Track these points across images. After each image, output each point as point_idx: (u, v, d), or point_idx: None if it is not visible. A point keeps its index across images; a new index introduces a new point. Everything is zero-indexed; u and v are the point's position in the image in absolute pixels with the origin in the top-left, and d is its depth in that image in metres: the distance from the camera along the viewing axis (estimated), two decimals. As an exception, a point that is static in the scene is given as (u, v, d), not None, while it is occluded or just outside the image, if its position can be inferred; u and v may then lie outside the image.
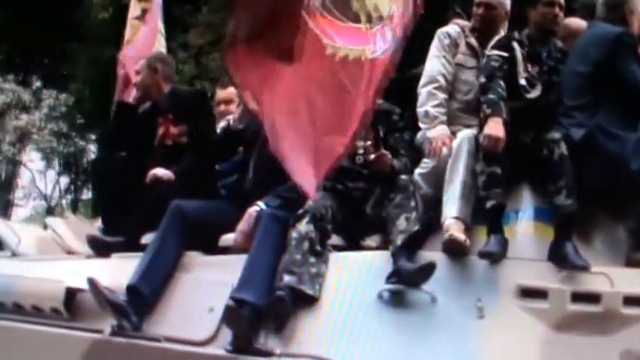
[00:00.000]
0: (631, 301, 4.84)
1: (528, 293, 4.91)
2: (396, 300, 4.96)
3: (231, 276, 5.09)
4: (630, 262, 5.14)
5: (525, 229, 5.22)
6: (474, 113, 5.74)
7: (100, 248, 5.66)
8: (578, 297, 4.86)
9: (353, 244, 5.39)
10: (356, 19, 4.93)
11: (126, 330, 5.03)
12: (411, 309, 4.93)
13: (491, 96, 5.25)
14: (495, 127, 5.12)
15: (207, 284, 5.17)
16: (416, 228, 5.09)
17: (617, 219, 5.23)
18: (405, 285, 4.93)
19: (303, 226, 5.14)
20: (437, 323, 4.88)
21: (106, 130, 6.46)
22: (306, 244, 5.10)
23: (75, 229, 6.18)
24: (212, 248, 5.43)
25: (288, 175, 5.37)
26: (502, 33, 5.93)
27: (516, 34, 5.59)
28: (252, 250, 5.09)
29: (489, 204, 5.08)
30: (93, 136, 29.79)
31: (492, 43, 5.65)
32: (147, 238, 5.54)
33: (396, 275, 4.95)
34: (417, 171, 5.54)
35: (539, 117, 5.36)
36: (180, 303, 5.16)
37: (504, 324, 4.84)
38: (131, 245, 5.54)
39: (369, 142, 5.54)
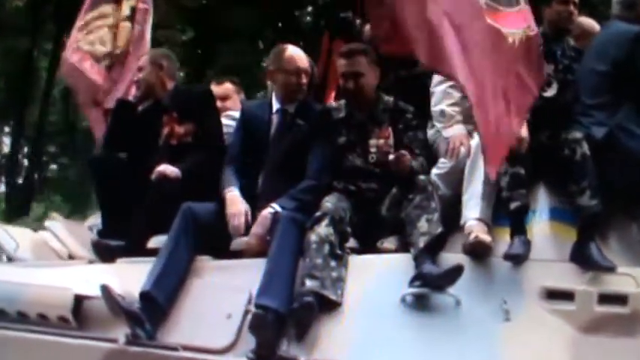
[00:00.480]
0: (657, 301, 4.83)
1: (554, 295, 4.86)
2: (420, 303, 4.86)
3: (247, 281, 4.94)
4: (649, 262, 5.12)
5: (542, 230, 5.15)
6: (486, 111, 5.68)
7: (105, 253, 5.44)
8: (604, 298, 4.81)
9: (368, 246, 5.27)
10: (513, 3, 4.92)
11: (141, 339, 4.84)
12: (435, 312, 4.83)
13: None
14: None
15: (223, 290, 4.99)
16: (439, 230, 4.98)
17: (634, 219, 5.21)
18: (430, 288, 4.83)
19: (323, 229, 5.00)
20: (462, 326, 4.79)
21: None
22: (326, 248, 4.96)
23: (70, 232, 5.95)
24: (223, 252, 5.26)
25: (300, 178, 5.29)
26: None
27: None
28: (271, 254, 4.93)
29: (514, 205, 5.00)
30: (7, 129, 29.31)
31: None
32: (153, 242, 5.35)
33: (420, 279, 4.84)
34: (435, 171, 5.43)
35: (556, 116, 5.30)
36: (195, 310, 4.97)
37: (531, 326, 4.78)
38: (136, 249, 5.34)
39: (381, 141, 5.43)
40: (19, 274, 5.28)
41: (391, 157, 5.17)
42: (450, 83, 5.58)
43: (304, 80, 5.58)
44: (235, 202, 5.27)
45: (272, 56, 5.72)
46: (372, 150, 5.42)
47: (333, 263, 4.95)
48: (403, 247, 5.15)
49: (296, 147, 5.47)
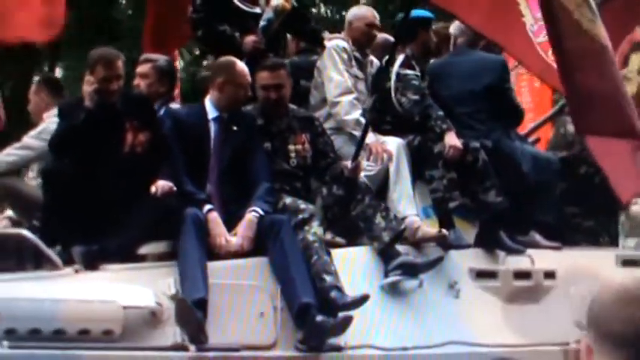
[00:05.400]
0: (548, 275, 6.31)
1: (482, 275, 6.10)
2: (394, 287, 5.76)
3: (261, 281, 5.36)
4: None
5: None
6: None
7: (93, 261, 5.23)
8: (518, 275, 6.19)
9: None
10: None
11: (204, 344, 4.97)
12: (406, 293, 5.79)
13: (440, 113, 6.20)
14: (455, 139, 6.13)
15: (244, 290, 5.30)
16: (403, 226, 5.87)
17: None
18: (410, 276, 5.73)
19: (317, 229, 5.57)
20: (426, 303, 5.84)
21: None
22: (323, 246, 5.55)
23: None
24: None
25: (244, 182, 5.73)
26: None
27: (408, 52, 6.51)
28: (289, 255, 5.36)
29: (453, 204, 6.09)
30: None
31: (400, 61, 6.46)
32: (145, 249, 5.35)
33: (401, 267, 5.70)
34: (363, 173, 6.19)
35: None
36: (226, 311, 5.20)
37: (471, 301, 5.98)
38: (126, 256, 5.30)
39: (299, 146, 6.08)
40: (33, 290, 4.91)
41: (350, 165, 5.89)
42: (354, 95, 6.33)
43: (249, 93, 5.95)
44: (219, 223, 5.50)
45: (220, 68, 5.93)
46: (292, 155, 6.08)
47: (328, 259, 5.57)
48: (356, 241, 5.98)
49: (238, 153, 5.83)
